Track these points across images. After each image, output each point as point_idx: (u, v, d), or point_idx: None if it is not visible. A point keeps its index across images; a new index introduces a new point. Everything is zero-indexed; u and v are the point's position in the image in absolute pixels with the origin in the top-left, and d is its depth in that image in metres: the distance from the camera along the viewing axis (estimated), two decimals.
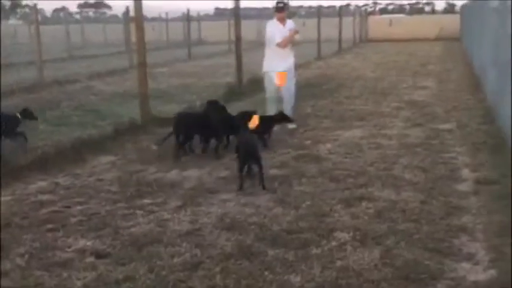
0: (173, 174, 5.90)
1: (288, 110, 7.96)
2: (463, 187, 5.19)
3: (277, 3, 8.05)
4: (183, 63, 20.19)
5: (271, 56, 8.15)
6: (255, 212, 4.67)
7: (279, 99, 8.23)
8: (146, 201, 5.02)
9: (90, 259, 3.84)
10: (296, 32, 8.14)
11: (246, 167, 5.39)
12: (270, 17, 8.70)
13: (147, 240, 4.12)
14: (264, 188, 5.19)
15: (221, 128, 6.56)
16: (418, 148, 6.71)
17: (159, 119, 8.37)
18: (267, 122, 6.93)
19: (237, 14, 12.12)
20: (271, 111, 7.85)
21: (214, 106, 6.77)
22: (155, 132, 7.80)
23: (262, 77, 8.46)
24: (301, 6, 66.22)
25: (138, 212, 4.73)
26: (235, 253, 3.84)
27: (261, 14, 32.24)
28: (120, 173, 6.00)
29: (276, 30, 8.05)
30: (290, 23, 8.16)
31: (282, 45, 7.99)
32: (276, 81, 8.05)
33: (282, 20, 8.09)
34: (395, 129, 7.87)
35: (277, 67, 8.04)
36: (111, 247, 4.02)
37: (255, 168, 5.34)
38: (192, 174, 5.88)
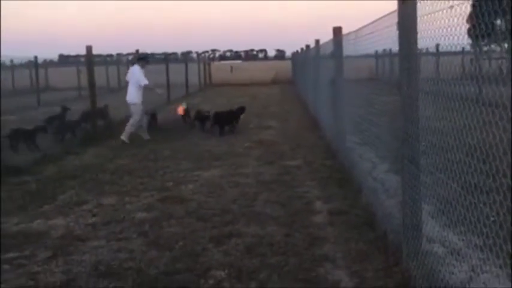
0: (38, 224, 5.62)
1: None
2: (319, 219, 5.67)
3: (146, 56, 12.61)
4: (33, 110, 19.20)
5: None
6: (130, 256, 4.65)
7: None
8: (12, 254, 4.74)
9: None
10: None
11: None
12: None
13: None
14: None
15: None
16: (273, 184, 7.17)
17: (14, 168, 8.07)
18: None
19: (90, 62, 12.18)
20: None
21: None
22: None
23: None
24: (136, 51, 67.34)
25: (5, 266, 4.45)
26: None
27: (107, 61, 32.69)
28: None
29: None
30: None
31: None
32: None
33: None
34: (250, 168, 8.31)
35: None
36: None
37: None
38: (58, 222, 5.66)
